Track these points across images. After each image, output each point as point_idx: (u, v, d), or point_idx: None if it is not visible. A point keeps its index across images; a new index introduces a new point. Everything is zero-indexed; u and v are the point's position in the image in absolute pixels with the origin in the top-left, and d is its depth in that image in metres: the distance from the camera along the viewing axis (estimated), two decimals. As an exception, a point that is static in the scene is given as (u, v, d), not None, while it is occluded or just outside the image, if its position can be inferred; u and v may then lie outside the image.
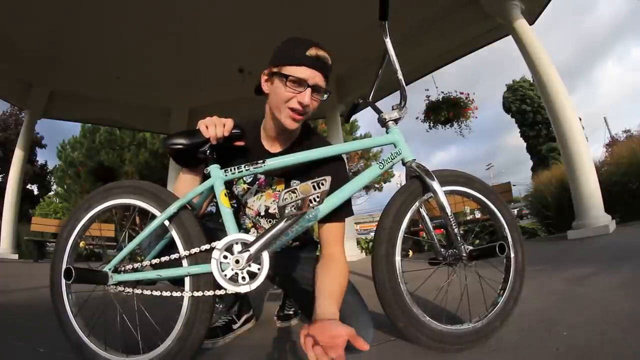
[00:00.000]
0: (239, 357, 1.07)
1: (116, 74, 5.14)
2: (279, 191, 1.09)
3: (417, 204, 1.00)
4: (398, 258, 0.94)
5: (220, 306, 1.32)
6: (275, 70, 0.96)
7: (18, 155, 5.13)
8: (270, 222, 1.11)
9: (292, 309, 1.43)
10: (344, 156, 1.12)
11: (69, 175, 12.18)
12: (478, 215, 4.95)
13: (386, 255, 0.94)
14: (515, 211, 12.55)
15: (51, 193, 17.77)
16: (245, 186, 1.12)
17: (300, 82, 0.93)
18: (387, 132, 1.07)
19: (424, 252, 5.73)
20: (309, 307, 1.02)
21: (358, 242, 6.07)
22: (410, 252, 5.86)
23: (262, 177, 1.11)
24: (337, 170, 1.04)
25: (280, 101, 0.96)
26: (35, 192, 19.27)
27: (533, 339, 0.94)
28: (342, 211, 1.01)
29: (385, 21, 1.03)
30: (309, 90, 0.93)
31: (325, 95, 0.98)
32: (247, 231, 1.15)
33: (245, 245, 0.84)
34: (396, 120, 1.07)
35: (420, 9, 4.05)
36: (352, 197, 1.04)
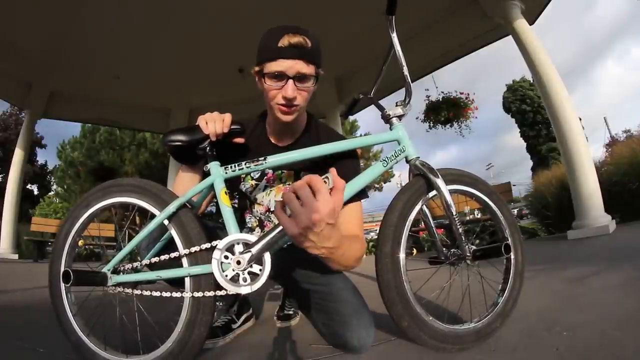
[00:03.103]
0: (239, 357, 1.06)
1: (116, 74, 5.15)
2: (289, 184, 1.07)
3: (421, 202, 0.98)
4: (403, 256, 0.93)
5: (221, 304, 1.31)
6: (257, 69, 0.95)
7: (18, 155, 5.14)
8: None
9: (292, 309, 1.42)
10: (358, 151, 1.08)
11: (69, 175, 12.19)
12: (478, 215, 4.95)
13: (391, 254, 0.92)
14: (515, 211, 12.58)
15: (51, 193, 17.80)
16: (253, 182, 1.10)
17: (280, 76, 0.90)
18: (390, 129, 1.04)
19: (423, 251, 5.73)
20: (309, 308, 1.02)
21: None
22: (414, 251, 5.86)
23: (270, 171, 1.09)
24: (346, 165, 1.02)
25: (269, 99, 0.95)
26: (35, 192, 19.31)
27: (533, 339, 0.94)
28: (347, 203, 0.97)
29: (392, 16, 1.01)
30: (290, 82, 0.90)
31: (312, 82, 0.93)
32: (251, 230, 1.13)
33: (247, 246, 0.82)
34: (400, 117, 1.04)
35: (420, 10, 4.05)
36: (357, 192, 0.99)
